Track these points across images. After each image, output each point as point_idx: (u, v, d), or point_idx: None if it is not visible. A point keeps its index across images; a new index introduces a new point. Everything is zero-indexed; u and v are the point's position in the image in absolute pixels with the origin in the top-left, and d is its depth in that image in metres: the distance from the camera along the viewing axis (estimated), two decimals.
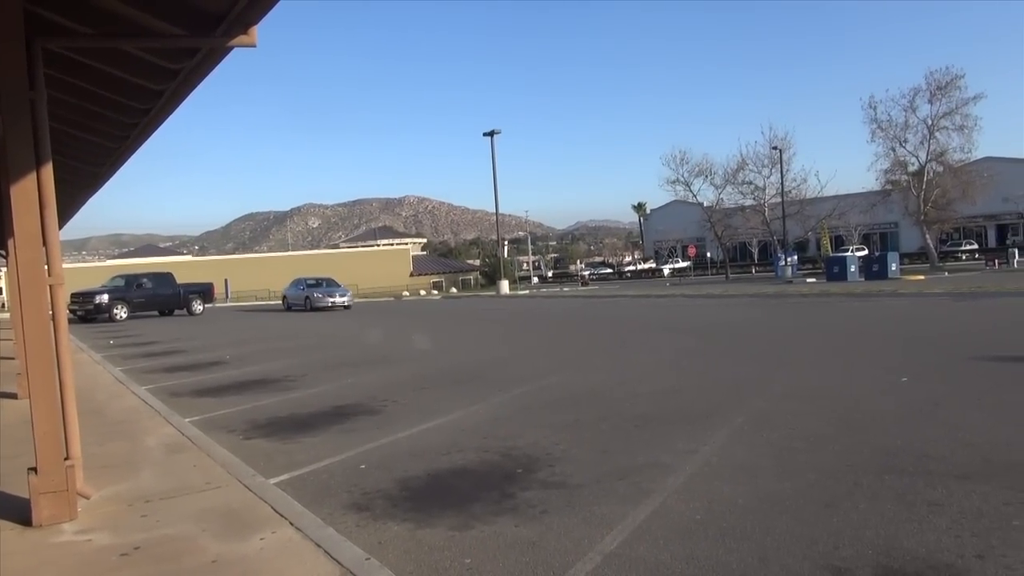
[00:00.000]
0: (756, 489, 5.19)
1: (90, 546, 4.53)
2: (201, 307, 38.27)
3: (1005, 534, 4.16)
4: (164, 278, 37.78)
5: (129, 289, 35.85)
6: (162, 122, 8.80)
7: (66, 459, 5.08)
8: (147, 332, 26.10)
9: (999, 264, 46.71)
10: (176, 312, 37.78)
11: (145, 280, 37.05)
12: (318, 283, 39.40)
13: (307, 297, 37.51)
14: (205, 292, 39.21)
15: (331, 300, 37.02)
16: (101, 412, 9.41)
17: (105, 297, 34.33)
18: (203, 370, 14.11)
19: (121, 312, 34.51)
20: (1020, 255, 49.68)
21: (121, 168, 12.21)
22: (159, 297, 36.99)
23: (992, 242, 69.85)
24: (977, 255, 62.30)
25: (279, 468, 6.44)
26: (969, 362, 10.40)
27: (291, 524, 4.73)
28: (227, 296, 60.32)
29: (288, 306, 39.57)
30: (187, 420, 8.70)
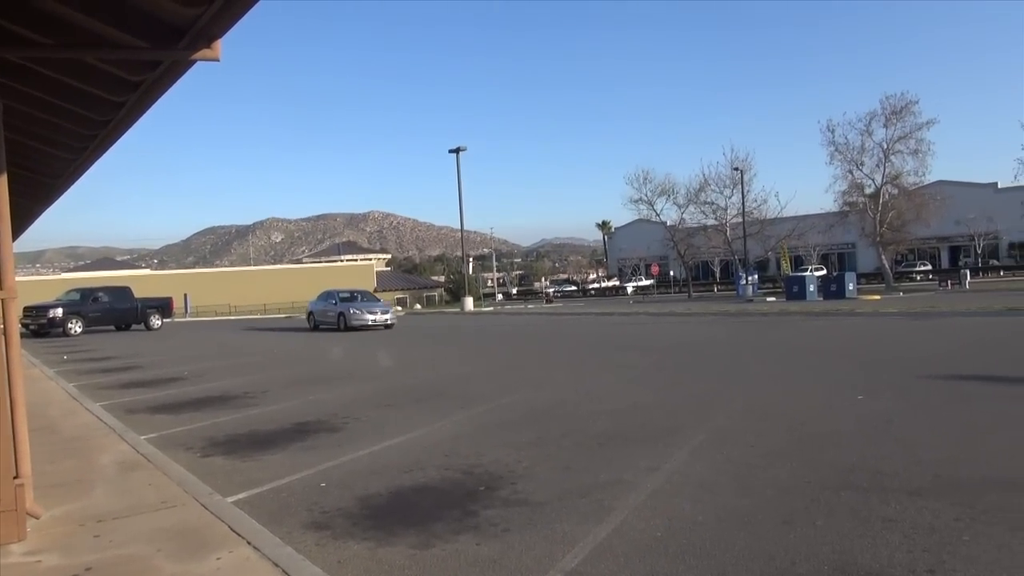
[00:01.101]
0: (716, 506, 5.25)
1: (39, 567, 4.41)
2: (159, 322, 37.56)
3: (955, 549, 4.26)
4: (121, 292, 37.01)
5: (85, 303, 35.05)
6: (122, 134, 8.66)
7: (15, 478, 4.94)
8: (103, 347, 25.52)
9: (951, 285, 47.91)
10: (134, 327, 37.03)
11: (101, 294, 36.25)
12: (352, 296, 32.23)
13: (341, 314, 29.83)
14: (164, 307, 38.49)
15: (371, 317, 29.48)
16: (53, 429, 9.17)
17: (59, 311, 33.52)
18: (160, 386, 13.84)
19: (76, 327, 33.71)
20: (971, 276, 51.03)
21: (79, 180, 11.98)
22: (116, 311, 36.21)
23: (945, 263, 71.72)
24: (930, 276, 63.84)
25: (237, 486, 6.33)
26: (921, 380, 10.64)
27: (248, 543, 4.66)
28: (187, 311, 59.29)
29: (315, 324, 32.05)
30: (143, 437, 8.52)
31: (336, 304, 30.68)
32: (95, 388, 13.87)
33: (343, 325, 29.39)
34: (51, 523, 5.24)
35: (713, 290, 70.02)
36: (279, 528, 5.11)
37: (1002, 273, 63.34)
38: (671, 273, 74.25)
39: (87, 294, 35.88)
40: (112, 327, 36.51)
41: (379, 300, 33.50)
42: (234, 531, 4.90)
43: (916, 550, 4.27)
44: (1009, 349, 14.76)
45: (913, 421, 7.88)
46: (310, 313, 33.30)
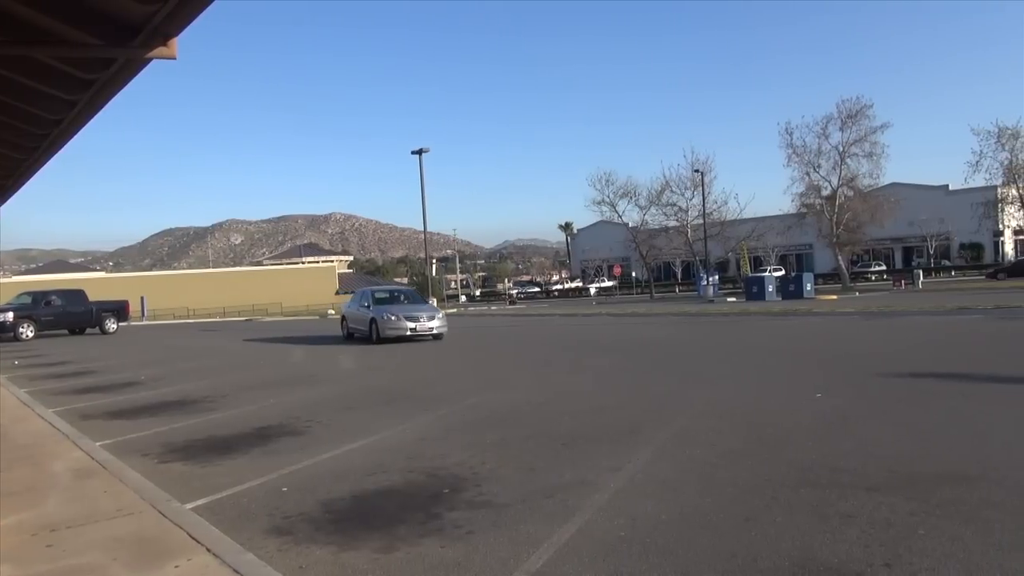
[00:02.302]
0: (679, 505, 5.30)
1: None
2: (115, 326, 36.75)
3: (911, 543, 4.35)
4: (75, 295, 36.12)
5: (36, 307, 34.14)
6: (75, 133, 8.48)
7: None
8: (56, 352, 24.90)
9: (905, 285, 49.07)
10: (88, 331, 36.18)
11: (54, 297, 35.34)
12: (392, 296, 25.35)
13: (373, 320, 22.54)
14: (119, 310, 37.65)
15: (412, 325, 21.99)
16: (4, 436, 8.91)
17: (10, 315, 32.60)
18: (116, 391, 13.54)
19: (28, 331, 32.82)
20: (924, 276, 52.32)
21: (30, 180, 11.69)
22: (69, 315, 35.33)
23: (899, 264, 73.47)
24: (885, 276, 65.39)
25: (196, 492, 6.22)
26: (877, 378, 10.87)
27: (208, 550, 4.58)
28: (144, 315, 58.14)
29: (348, 332, 25.00)
30: (98, 444, 8.32)
31: (369, 307, 23.42)
32: (48, 394, 13.51)
33: (375, 336, 22.14)
34: (2, 533, 5.09)
35: (675, 291, 70.73)
36: (240, 534, 5.03)
37: (953, 273, 65.16)
38: (633, 274, 74.89)
39: (39, 297, 34.96)
40: (66, 331, 35.63)
41: (424, 302, 26.66)
42: (193, 538, 4.81)
43: (873, 544, 4.36)
44: (961, 347, 15.16)
45: (870, 418, 8.04)
46: (343, 318, 26.38)
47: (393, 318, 21.86)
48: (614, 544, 4.58)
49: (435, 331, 22.36)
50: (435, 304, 24.66)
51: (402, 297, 25.34)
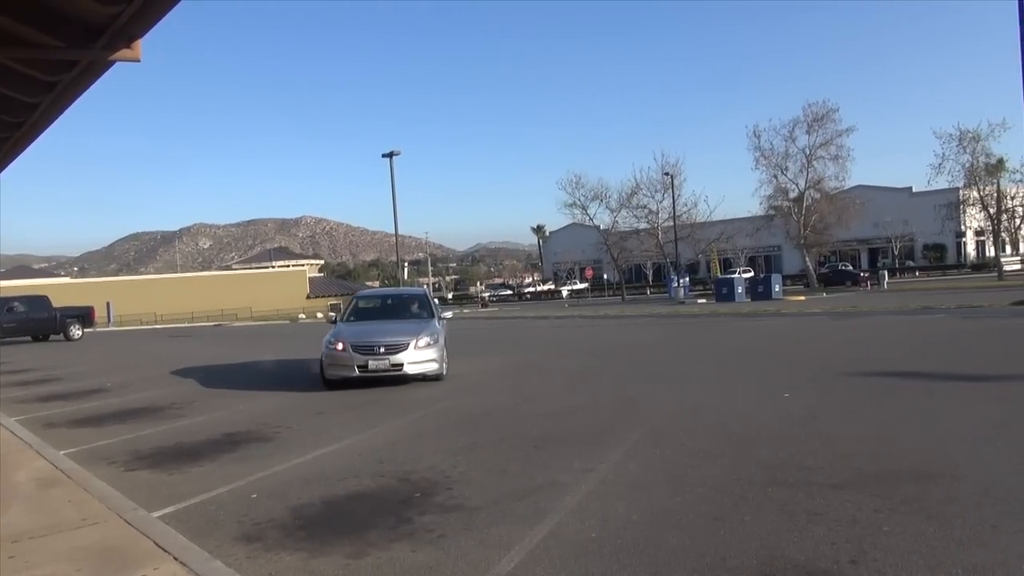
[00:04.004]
0: (649, 505, 5.33)
1: None
2: (80, 332, 36.10)
3: (876, 539, 4.43)
4: (38, 301, 35.44)
5: None
6: (37, 136, 8.34)
7: None
8: (19, 359, 24.40)
9: (871, 286, 49.93)
10: (52, 338, 35.50)
11: (16, 303, 34.64)
12: (384, 305, 15.72)
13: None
14: (84, 316, 36.99)
15: (366, 360, 12.27)
16: None
17: None
18: (81, 399, 13.30)
19: None
20: (889, 277, 53.27)
21: None
22: (32, 322, 34.65)
23: (865, 264, 74.63)
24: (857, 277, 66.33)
25: (163, 500, 6.13)
26: (844, 377, 11.04)
27: (175, 559, 4.51)
28: (110, 320, 57.18)
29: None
30: (62, 452, 8.17)
31: (335, 323, 14.33)
32: (10, 402, 13.23)
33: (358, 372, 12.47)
34: None
35: (646, 292, 71.26)
36: (208, 542, 4.97)
37: (917, 273, 66.42)
38: (605, 276, 75.31)
39: (1, 304, 34.23)
40: (29, 338, 34.95)
41: (427, 317, 14.16)
42: (160, 547, 4.75)
43: (840, 541, 4.43)
44: (925, 347, 15.45)
45: (836, 417, 8.16)
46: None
47: (338, 348, 12.54)
48: (585, 545, 4.60)
49: (418, 369, 12.46)
50: (442, 322, 14.14)
51: (399, 306, 15.17)
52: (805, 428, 7.68)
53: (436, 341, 12.71)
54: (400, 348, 12.30)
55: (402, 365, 12.21)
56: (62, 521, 5.45)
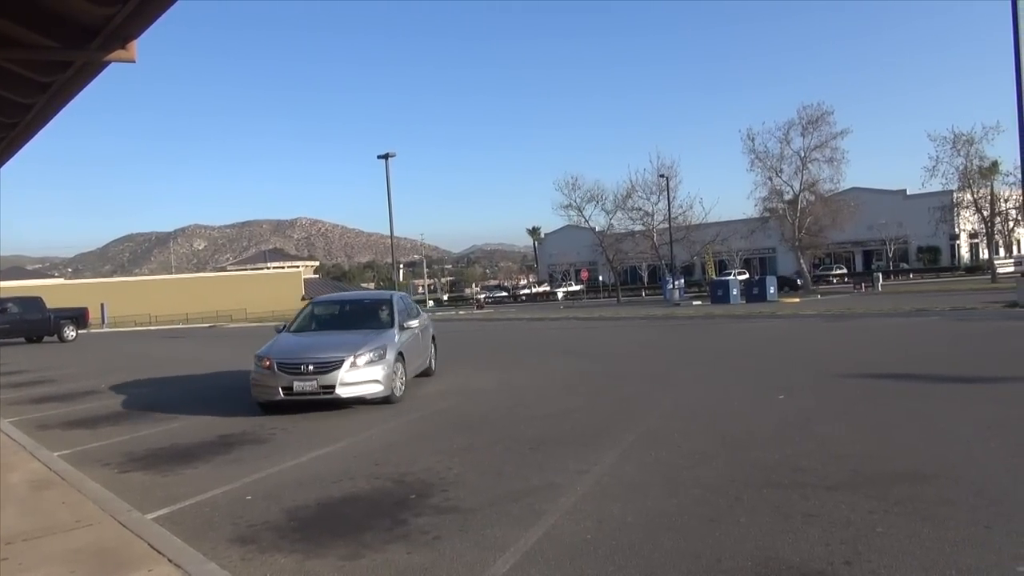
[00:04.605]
0: (645, 507, 5.34)
1: None
2: (74, 333, 35.96)
3: (870, 541, 4.44)
4: (32, 302, 35.28)
5: None
6: (30, 137, 8.32)
7: None
8: (12, 361, 24.30)
9: (865, 288, 50.05)
10: (46, 339, 35.37)
11: (10, 304, 34.48)
12: (342, 312, 13.53)
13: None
14: (78, 317, 36.85)
15: (290, 382, 10.29)
16: None
17: None
18: (75, 400, 13.26)
19: None
20: (884, 279, 53.41)
21: None
22: (26, 323, 34.48)
23: (859, 267, 74.89)
24: (846, 279, 66.60)
25: (158, 502, 6.12)
26: (838, 379, 11.06)
27: (170, 561, 4.50)
28: (104, 322, 57.03)
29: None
30: (56, 454, 8.15)
31: (282, 338, 11.93)
32: (3, 404, 13.18)
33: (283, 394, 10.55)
34: None
35: (641, 295, 71.26)
36: (202, 544, 4.96)
37: (911, 276, 66.62)
38: (600, 278, 75.34)
39: None
40: (22, 339, 34.81)
41: (383, 327, 12.03)
42: (154, 549, 4.73)
43: (834, 543, 4.44)
44: (919, 349, 15.48)
45: (831, 419, 8.18)
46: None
47: (264, 366, 10.63)
48: (580, 547, 4.61)
49: (354, 392, 10.37)
50: (407, 330, 12.33)
51: (358, 314, 13.04)
52: (800, 430, 7.69)
53: (382, 356, 10.65)
54: (332, 367, 10.29)
55: (333, 387, 10.21)
56: (56, 523, 5.43)
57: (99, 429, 10.07)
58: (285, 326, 12.69)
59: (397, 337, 11.54)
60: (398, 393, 11.04)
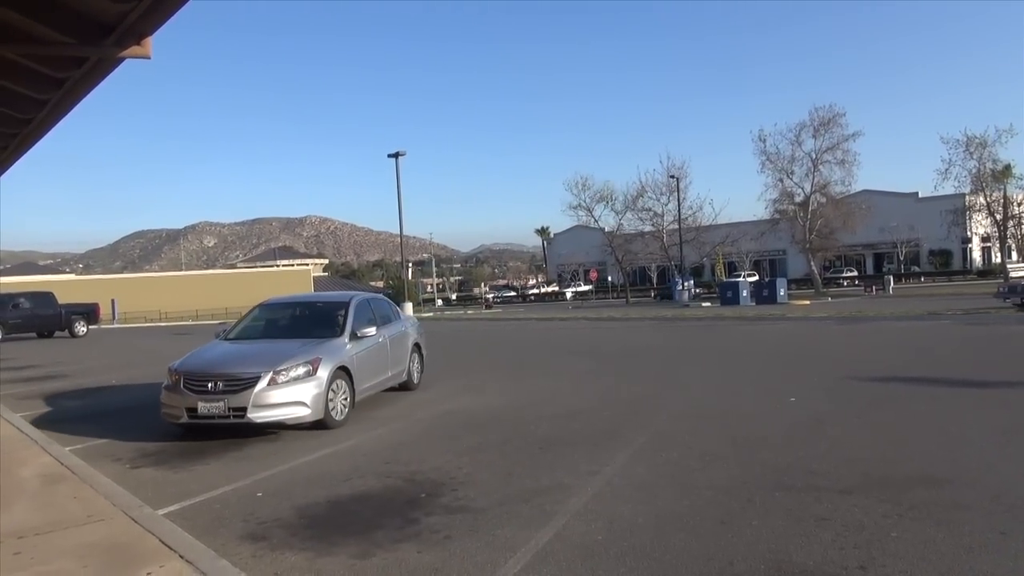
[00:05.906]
0: (655, 508, 5.31)
1: None
2: (85, 329, 36.16)
3: (884, 545, 4.40)
4: (44, 297, 35.52)
5: (4, 309, 33.49)
6: (45, 133, 8.36)
7: None
8: (24, 355, 24.45)
9: (876, 290, 49.80)
10: (57, 334, 35.58)
11: (22, 300, 34.73)
12: (298, 315, 11.39)
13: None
14: (89, 313, 37.06)
15: (195, 403, 8.48)
16: None
17: None
18: (86, 395, 13.31)
19: None
20: (895, 282, 53.16)
21: None
22: (38, 318, 34.72)
23: (870, 269, 74.57)
24: (856, 281, 66.32)
25: (169, 498, 6.13)
26: (850, 382, 10.99)
27: (181, 557, 4.51)
28: (115, 317, 57.31)
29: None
30: (67, 449, 8.18)
31: (208, 347, 10.46)
32: (15, 398, 13.25)
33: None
34: None
35: (650, 295, 71.15)
36: (213, 540, 4.96)
37: (923, 279, 66.30)
38: (609, 279, 75.25)
39: (7, 300, 34.34)
40: (34, 334, 35.03)
41: (326, 336, 9.90)
42: (166, 544, 4.74)
43: (848, 547, 4.40)
44: (931, 352, 15.38)
45: (843, 422, 8.13)
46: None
47: (171, 383, 9.09)
48: (591, 548, 4.58)
49: (270, 416, 8.48)
50: (362, 339, 10.14)
51: (308, 319, 11.11)
52: (811, 432, 7.65)
53: (311, 373, 8.73)
54: (243, 385, 8.43)
55: (244, 410, 8.32)
56: (68, 518, 5.44)
57: (109, 424, 10.10)
58: (225, 331, 11.14)
59: (346, 348, 9.71)
60: (338, 416, 9.11)
